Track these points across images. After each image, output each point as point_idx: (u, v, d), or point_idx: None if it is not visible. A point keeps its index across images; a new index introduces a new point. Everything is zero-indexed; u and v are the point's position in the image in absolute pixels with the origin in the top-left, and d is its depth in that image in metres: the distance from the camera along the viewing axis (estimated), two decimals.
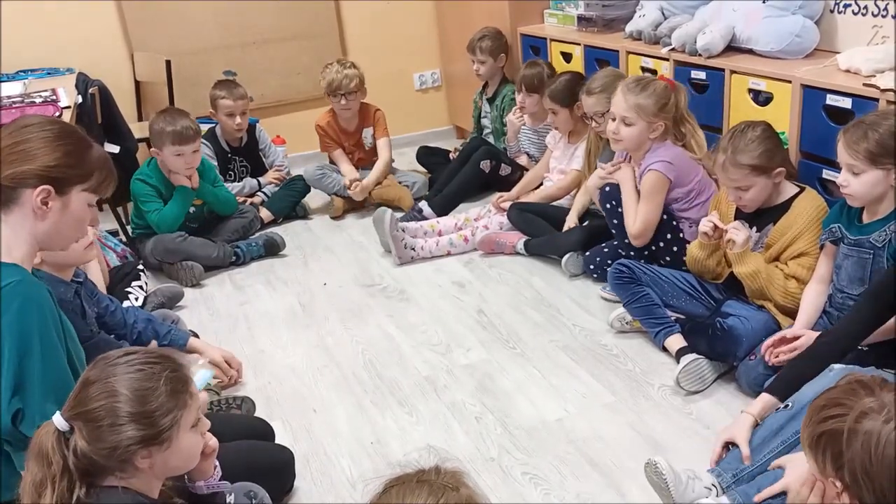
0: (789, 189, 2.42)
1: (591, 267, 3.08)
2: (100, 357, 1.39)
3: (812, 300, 2.28)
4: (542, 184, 3.67)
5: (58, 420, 1.34)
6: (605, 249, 3.05)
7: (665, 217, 2.77)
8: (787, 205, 2.40)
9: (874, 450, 1.18)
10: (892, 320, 2.00)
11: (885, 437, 1.18)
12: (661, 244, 2.78)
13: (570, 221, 3.31)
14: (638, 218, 2.77)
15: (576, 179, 3.42)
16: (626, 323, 2.70)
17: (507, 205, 3.55)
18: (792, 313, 2.33)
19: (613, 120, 2.80)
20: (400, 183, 4.11)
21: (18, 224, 1.61)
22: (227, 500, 1.69)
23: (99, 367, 1.38)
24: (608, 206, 2.87)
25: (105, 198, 3.85)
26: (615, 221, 2.84)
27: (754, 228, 2.48)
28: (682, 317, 2.59)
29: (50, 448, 1.31)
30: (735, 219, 2.50)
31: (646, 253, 2.82)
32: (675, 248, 2.76)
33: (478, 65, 4.08)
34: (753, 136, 2.34)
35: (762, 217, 2.45)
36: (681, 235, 2.77)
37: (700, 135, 2.83)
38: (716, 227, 2.43)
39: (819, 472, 1.28)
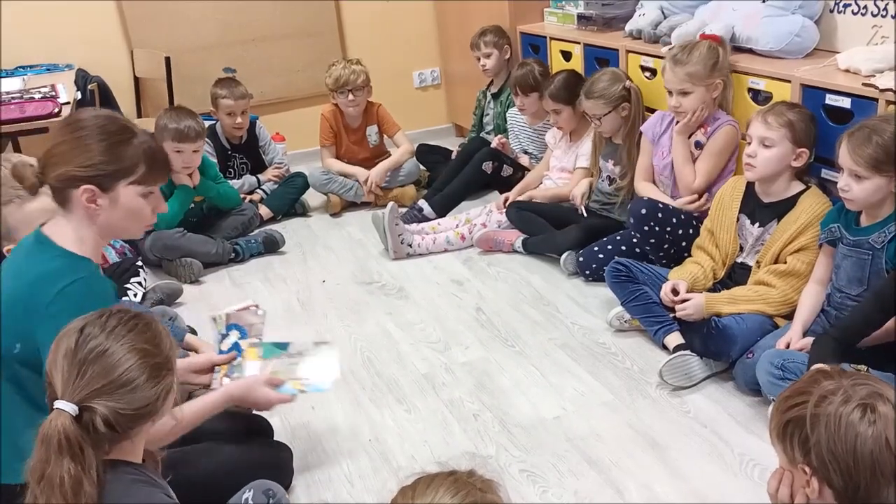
0: (796, 186, 2.43)
1: (587, 273, 3.07)
2: (76, 334, 1.32)
3: (809, 301, 2.28)
4: (542, 183, 3.67)
5: (68, 406, 1.27)
6: (601, 256, 3.02)
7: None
8: (792, 201, 2.41)
9: (836, 431, 1.21)
10: (891, 322, 2.01)
11: (845, 418, 1.21)
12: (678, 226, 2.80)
13: (577, 196, 3.33)
14: (701, 175, 2.79)
15: (583, 178, 3.41)
16: (625, 321, 2.71)
17: None
18: (788, 315, 2.34)
19: (671, 94, 2.79)
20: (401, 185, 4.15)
21: (79, 220, 1.66)
22: (245, 496, 1.70)
23: (90, 341, 1.31)
24: (645, 227, 2.76)
25: None
26: (652, 241, 2.78)
27: (757, 224, 2.48)
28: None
29: (78, 435, 1.25)
30: (740, 211, 2.52)
31: (648, 248, 2.81)
32: (683, 243, 2.78)
33: (484, 59, 4.07)
34: (806, 111, 2.43)
35: (766, 212, 2.46)
36: (690, 231, 2.79)
37: (732, 90, 2.84)
38: (675, 291, 2.45)
39: (788, 462, 1.31)
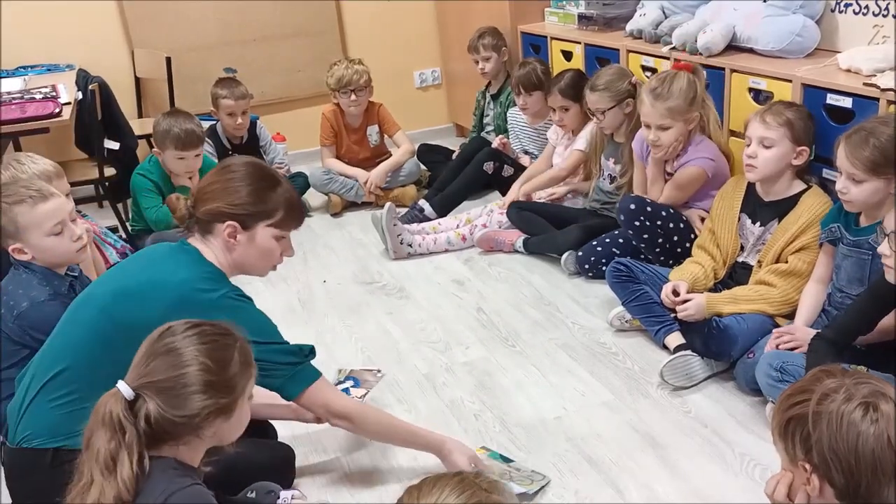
0: (797, 185, 2.43)
1: (586, 267, 3.08)
2: (164, 328, 1.41)
3: (810, 300, 2.28)
4: None
5: (124, 388, 1.33)
6: (598, 248, 3.05)
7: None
8: (793, 200, 2.40)
9: (838, 429, 1.21)
10: (890, 320, 2.00)
11: (847, 416, 1.21)
12: (672, 229, 2.80)
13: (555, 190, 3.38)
14: (664, 199, 2.82)
15: (579, 160, 3.42)
16: (626, 321, 2.71)
17: None
18: (790, 315, 2.33)
19: (648, 127, 2.78)
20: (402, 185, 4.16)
21: (217, 248, 1.86)
22: (249, 496, 1.71)
23: (168, 337, 1.39)
24: (636, 223, 2.77)
25: (105, 194, 3.90)
26: (646, 236, 2.79)
27: (758, 223, 2.48)
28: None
29: (122, 416, 1.31)
30: (741, 210, 2.51)
31: (642, 246, 2.81)
32: (675, 238, 2.79)
33: (483, 63, 4.08)
34: (803, 109, 2.43)
35: (767, 211, 2.45)
36: (681, 224, 2.80)
37: (715, 114, 2.83)
38: (676, 293, 2.44)
39: (789, 461, 1.31)
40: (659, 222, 2.77)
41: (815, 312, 2.27)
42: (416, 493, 1.12)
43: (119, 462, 1.29)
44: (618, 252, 2.97)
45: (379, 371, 2.42)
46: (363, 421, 1.98)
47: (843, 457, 1.20)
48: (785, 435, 1.30)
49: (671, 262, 2.76)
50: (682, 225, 2.79)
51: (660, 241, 2.79)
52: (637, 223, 2.77)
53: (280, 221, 1.88)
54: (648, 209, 2.77)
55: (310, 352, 1.91)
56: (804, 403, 1.26)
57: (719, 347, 2.37)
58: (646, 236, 2.79)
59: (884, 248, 1.80)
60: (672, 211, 2.80)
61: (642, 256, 2.86)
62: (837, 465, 1.21)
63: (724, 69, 2.88)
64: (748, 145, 2.41)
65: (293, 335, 2.88)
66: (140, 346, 1.40)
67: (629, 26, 3.43)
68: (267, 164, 4.08)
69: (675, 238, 2.78)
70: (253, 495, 1.74)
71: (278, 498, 1.82)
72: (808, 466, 1.25)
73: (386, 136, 4.21)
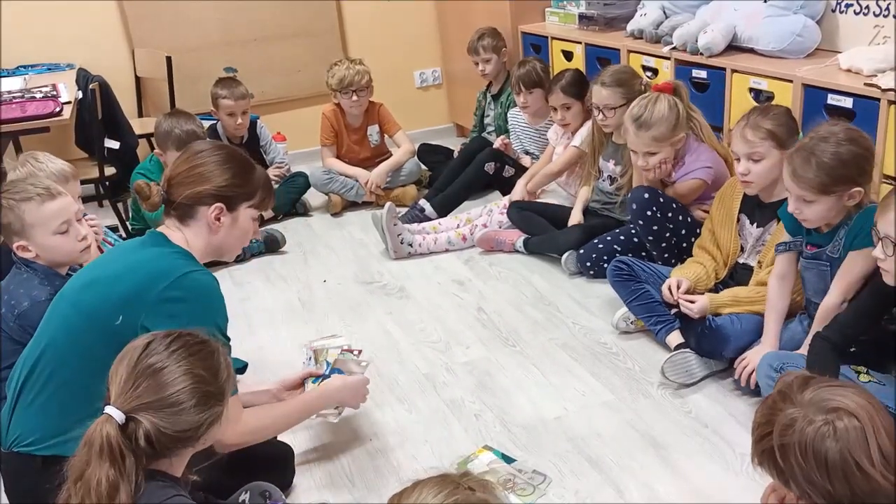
0: None
1: (588, 265, 3.08)
2: (143, 347, 1.38)
3: (773, 297, 2.26)
4: None
5: (116, 414, 1.30)
6: (600, 246, 3.05)
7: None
8: None
9: (805, 458, 1.20)
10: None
11: (811, 446, 1.20)
12: (678, 224, 2.80)
13: (576, 216, 3.30)
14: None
15: (574, 156, 3.41)
16: (631, 323, 2.70)
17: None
18: (790, 314, 2.33)
19: (635, 153, 2.79)
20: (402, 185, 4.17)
21: (195, 233, 1.87)
22: (241, 498, 1.70)
23: (153, 356, 1.35)
24: (647, 213, 2.76)
25: (104, 193, 3.90)
26: (654, 228, 2.77)
27: (755, 224, 2.48)
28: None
29: (120, 443, 1.29)
30: (740, 212, 2.51)
31: (650, 239, 2.81)
32: (683, 232, 2.80)
33: (483, 65, 4.09)
34: (779, 111, 2.35)
35: (765, 212, 2.45)
36: (689, 219, 2.81)
37: (704, 122, 2.83)
38: (680, 287, 2.45)
39: (777, 485, 1.31)
40: (669, 214, 2.77)
41: (782, 309, 2.26)
42: (398, 498, 1.12)
43: (119, 490, 1.27)
44: (619, 249, 2.97)
45: (360, 356, 2.31)
46: (258, 436, 1.93)
47: (819, 484, 1.20)
48: (763, 466, 1.29)
49: (674, 259, 2.76)
50: (689, 220, 2.79)
51: (667, 234, 2.78)
52: (648, 213, 2.76)
53: (259, 202, 1.93)
54: (661, 199, 2.76)
55: (236, 371, 1.86)
56: (768, 437, 1.25)
57: (711, 346, 2.38)
58: (655, 228, 2.78)
59: (878, 252, 1.78)
60: (681, 205, 2.80)
61: (644, 254, 2.86)
62: (816, 492, 1.21)
63: (724, 69, 2.88)
64: (737, 160, 2.36)
65: (293, 335, 2.92)
66: (116, 369, 1.36)
67: (630, 26, 3.44)
68: (268, 163, 4.15)
69: (683, 232, 2.78)
70: (246, 497, 1.74)
71: (270, 498, 1.81)
72: (793, 494, 1.25)
73: (386, 135, 4.22)
